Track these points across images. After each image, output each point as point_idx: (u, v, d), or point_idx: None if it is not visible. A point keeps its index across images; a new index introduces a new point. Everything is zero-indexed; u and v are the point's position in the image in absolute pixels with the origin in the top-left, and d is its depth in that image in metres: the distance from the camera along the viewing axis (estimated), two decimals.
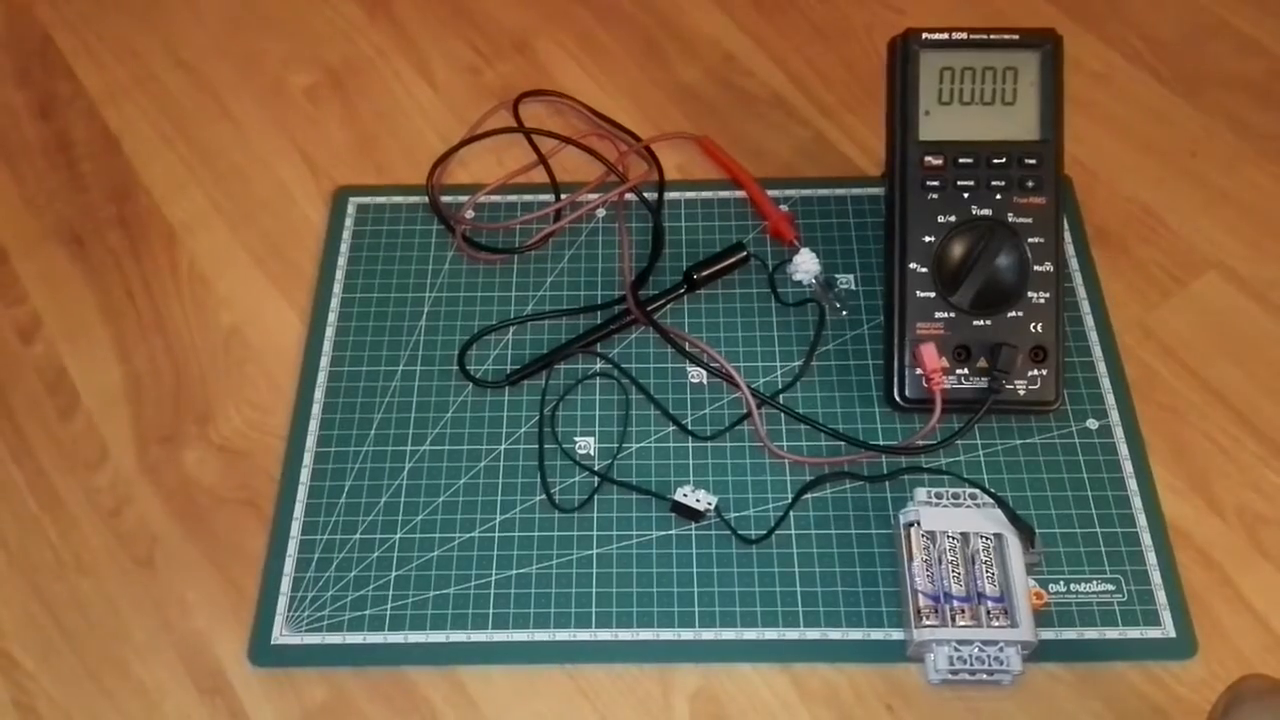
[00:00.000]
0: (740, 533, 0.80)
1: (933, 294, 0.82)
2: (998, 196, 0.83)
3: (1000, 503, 0.76)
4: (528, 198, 0.98)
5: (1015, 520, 0.75)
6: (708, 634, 0.77)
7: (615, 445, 0.84)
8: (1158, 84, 1.04)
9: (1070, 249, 0.92)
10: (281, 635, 0.78)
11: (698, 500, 0.80)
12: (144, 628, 0.80)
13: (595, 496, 0.82)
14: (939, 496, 0.77)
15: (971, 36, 0.84)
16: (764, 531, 0.80)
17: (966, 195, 0.83)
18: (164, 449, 0.87)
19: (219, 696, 0.77)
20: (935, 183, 0.83)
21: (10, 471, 0.86)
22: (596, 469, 0.83)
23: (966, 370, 0.82)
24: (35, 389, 0.90)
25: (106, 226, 0.98)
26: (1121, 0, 1.09)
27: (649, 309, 0.89)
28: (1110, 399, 0.85)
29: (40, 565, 0.82)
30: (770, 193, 0.96)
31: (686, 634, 0.77)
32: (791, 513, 0.81)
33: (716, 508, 0.80)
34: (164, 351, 0.91)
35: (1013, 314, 0.82)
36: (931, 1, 1.11)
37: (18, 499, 0.85)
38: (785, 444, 0.84)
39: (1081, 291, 0.90)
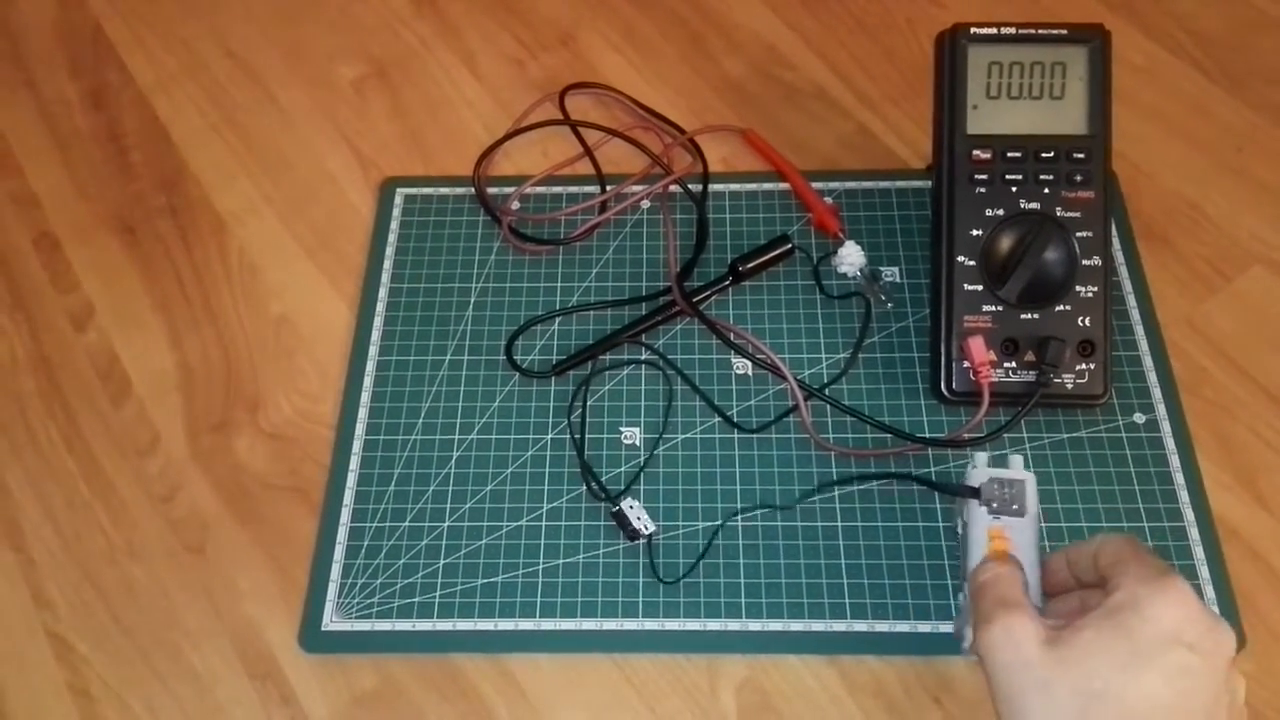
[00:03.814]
0: (664, 569, 0.80)
1: (980, 287, 0.82)
2: (1046, 190, 0.83)
3: (929, 483, 0.79)
4: (573, 189, 0.98)
5: (950, 489, 0.77)
6: (754, 625, 0.77)
7: (657, 435, 0.85)
8: (1203, 78, 1.04)
9: (1115, 244, 0.92)
10: (331, 622, 0.78)
11: (639, 518, 0.81)
12: (195, 613, 0.80)
13: (641, 487, 0.83)
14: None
15: (1020, 31, 0.84)
16: (794, 528, 0.80)
17: (1015, 189, 0.83)
18: (215, 436, 0.88)
19: (270, 682, 0.78)
20: (983, 176, 0.83)
21: (63, 457, 0.87)
22: (642, 460, 0.84)
23: (1014, 363, 0.82)
24: (88, 376, 0.91)
25: (157, 215, 0.99)
26: None
27: (694, 300, 0.89)
28: (1157, 393, 0.85)
29: (93, 551, 0.83)
30: (814, 185, 0.96)
31: (733, 625, 0.77)
32: (839, 505, 0.81)
33: (650, 537, 0.80)
34: (214, 340, 0.92)
35: (1060, 308, 0.82)
36: None
37: (70, 485, 0.86)
38: (831, 436, 0.84)
39: (1127, 286, 0.90)
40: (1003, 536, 0.69)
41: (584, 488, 0.83)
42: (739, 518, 0.81)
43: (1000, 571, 0.65)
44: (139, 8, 1.14)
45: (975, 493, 0.71)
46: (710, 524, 0.81)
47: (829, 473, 0.83)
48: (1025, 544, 0.69)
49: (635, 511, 0.81)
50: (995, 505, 0.70)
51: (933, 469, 0.83)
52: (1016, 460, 0.72)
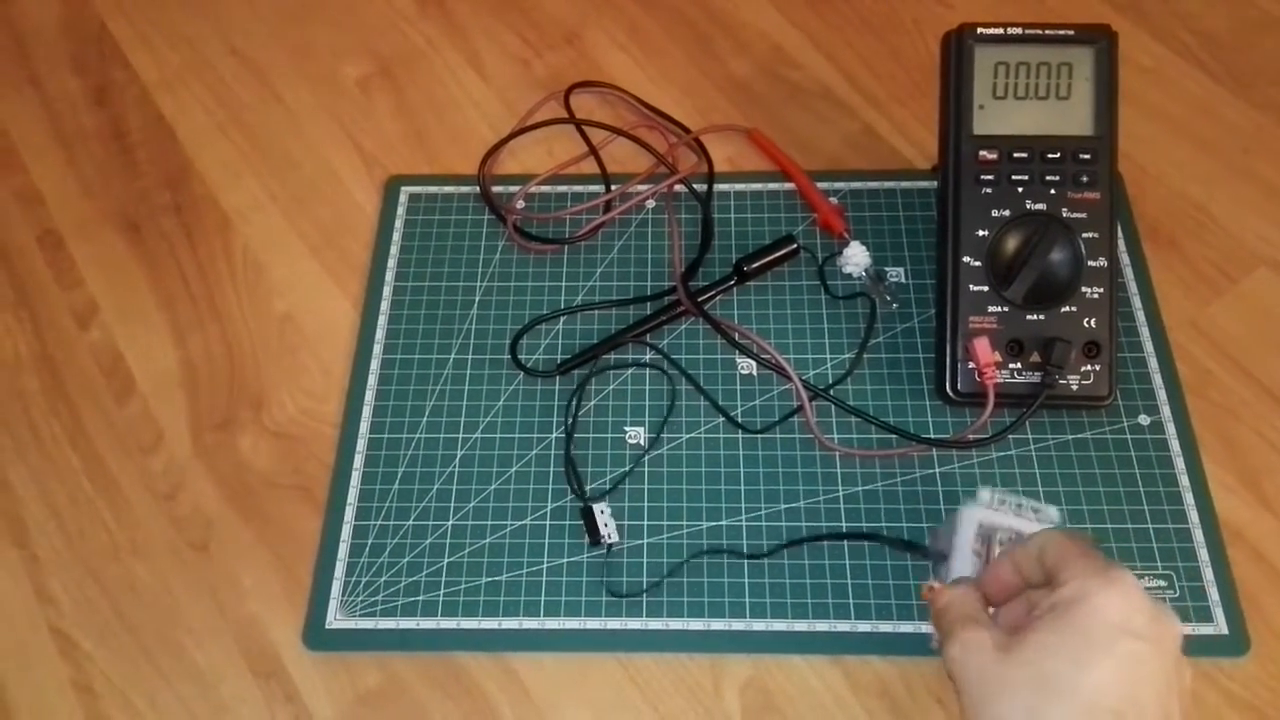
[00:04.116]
0: (668, 568, 0.80)
1: (986, 288, 0.82)
2: (1052, 191, 0.83)
3: (888, 541, 0.79)
4: (578, 188, 0.98)
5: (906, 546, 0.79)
6: (759, 625, 0.77)
7: (656, 435, 0.85)
8: (1209, 79, 1.04)
9: (1121, 245, 0.92)
10: (335, 620, 0.78)
11: (606, 524, 0.80)
12: (199, 611, 0.80)
13: (645, 487, 0.83)
14: (1001, 501, 0.73)
15: (1026, 31, 0.84)
16: (817, 525, 0.80)
17: (1020, 190, 0.83)
18: (219, 434, 0.87)
19: (274, 680, 0.78)
20: (989, 177, 0.83)
21: (67, 455, 0.87)
22: (635, 461, 0.84)
23: (1019, 365, 0.82)
24: (91, 373, 0.91)
25: (161, 213, 0.99)
26: None
27: (699, 300, 0.89)
28: (1162, 395, 0.85)
29: (97, 548, 0.83)
30: (819, 185, 0.96)
31: (737, 624, 0.77)
32: (844, 505, 0.81)
33: (609, 547, 0.80)
34: (218, 337, 0.92)
35: (1066, 309, 0.82)
36: None
37: (74, 482, 0.86)
38: (836, 437, 0.84)
39: (1133, 287, 0.90)
40: (932, 588, 0.69)
41: (589, 486, 0.83)
42: (743, 517, 0.81)
43: (954, 594, 0.66)
44: (144, 6, 1.14)
45: (924, 551, 0.77)
46: (714, 524, 0.81)
47: (776, 528, 0.83)
48: (956, 576, 0.70)
49: (604, 517, 0.81)
50: (937, 555, 0.75)
51: (937, 469, 0.83)
52: (982, 494, 0.73)
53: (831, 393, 0.85)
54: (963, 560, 0.71)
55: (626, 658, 0.77)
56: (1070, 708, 0.56)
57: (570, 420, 0.86)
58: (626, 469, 0.83)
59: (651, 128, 1.02)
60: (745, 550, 0.80)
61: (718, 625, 0.77)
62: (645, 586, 0.79)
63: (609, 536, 0.80)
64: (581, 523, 0.81)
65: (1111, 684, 0.56)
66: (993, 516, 0.72)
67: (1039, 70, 0.84)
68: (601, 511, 0.81)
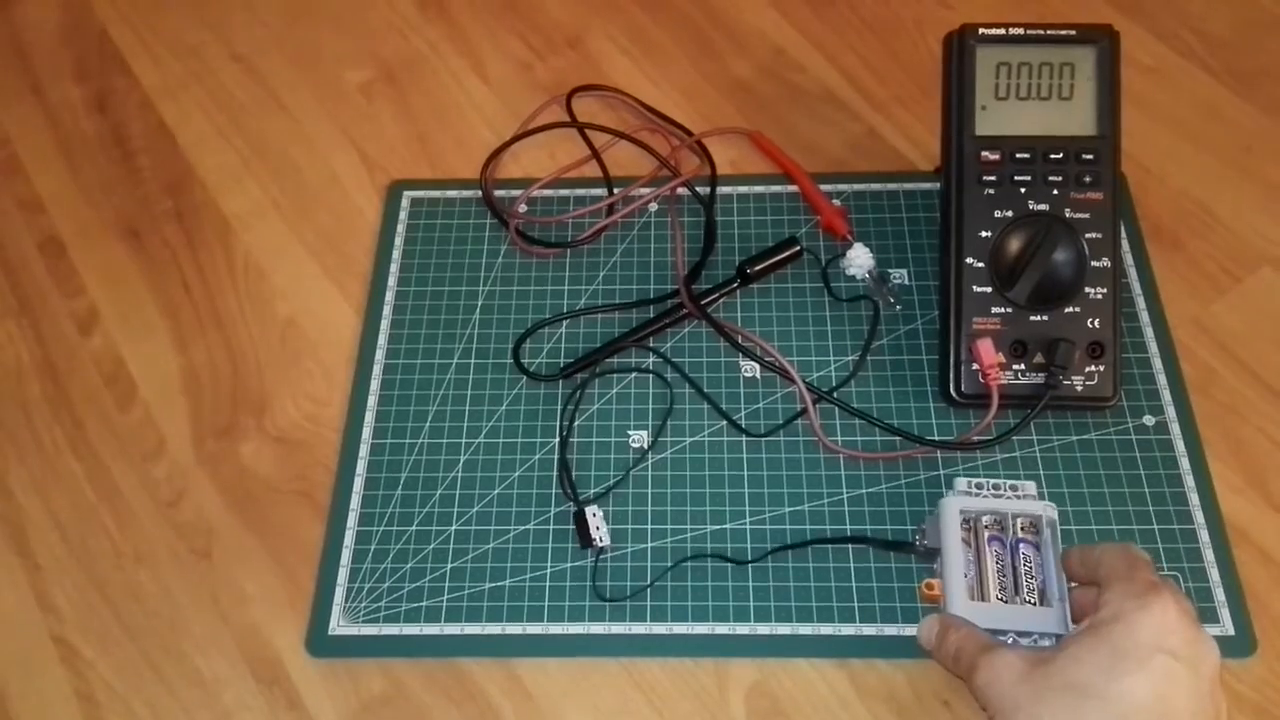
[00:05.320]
0: (730, 558, 0.80)
1: (989, 289, 0.82)
2: (1055, 192, 0.82)
3: (878, 543, 0.79)
4: (580, 192, 0.98)
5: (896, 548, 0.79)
6: (763, 629, 0.77)
7: (656, 439, 0.85)
8: (1211, 79, 1.03)
9: (1124, 245, 0.91)
10: (338, 626, 0.78)
11: (598, 528, 0.80)
12: (202, 618, 0.80)
13: (649, 491, 0.82)
14: (979, 487, 0.76)
15: (1028, 32, 0.84)
16: (803, 527, 0.80)
17: (1023, 190, 0.83)
18: (221, 441, 0.87)
19: (277, 687, 0.77)
20: (992, 178, 0.83)
21: (69, 462, 0.87)
22: (633, 465, 0.84)
23: (1023, 366, 0.81)
24: (93, 380, 0.91)
25: (163, 219, 0.99)
26: None
27: (702, 303, 0.89)
28: (1166, 395, 0.85)
29: (99, 555, 0.83)
30: (822, 188, 0.96)
31: (742, 629, 0.77)
32: (848, 508, 0.81)
33: (600, 551, 0.80)
34: (220, 344, 0.92)
35: (1070, 310, 0.81)
36: None
37: (76, 489, 0.86)
38: (839, 439, 0.84)
39: (1136, 288, 0.90)
40: (930, 585, 0.76)
41: (592, 490, 0.83)
42: (747, 520, 0.81)
43: (961, 633, 0.69)
44: (145, 12, 1.14)
45: (912, 548, 0.78)
46: (719, 528, 0.81)
47: (780, 531, 0.82)
48: (952, 569, 0.72)
49: (596, 520, 0.80)
50: (926, 552, 0.77)
51: (942, 471, 0.82)
52: (959, 483, 0.76)
53: (835, 395, 0.85)
54: (954, 551, 0.73)
55: (631, 663, 0.77)
56: (1100, 711, 0.59)
57: (567, 424, 0.85)
58: (631, 472, 0.83)
59: (654, 131, 1.02)
60: (749, 555, 0.79)
61: (722, 629, 0.77)
62: (635, 591, 0.78)
63: (600, 540, 0.79)
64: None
65: (1142, 695, 0.59)
66: (973, 503, 0.74)
67: (1041, 71, 0.84)
68: (594, 514, 0.80)
